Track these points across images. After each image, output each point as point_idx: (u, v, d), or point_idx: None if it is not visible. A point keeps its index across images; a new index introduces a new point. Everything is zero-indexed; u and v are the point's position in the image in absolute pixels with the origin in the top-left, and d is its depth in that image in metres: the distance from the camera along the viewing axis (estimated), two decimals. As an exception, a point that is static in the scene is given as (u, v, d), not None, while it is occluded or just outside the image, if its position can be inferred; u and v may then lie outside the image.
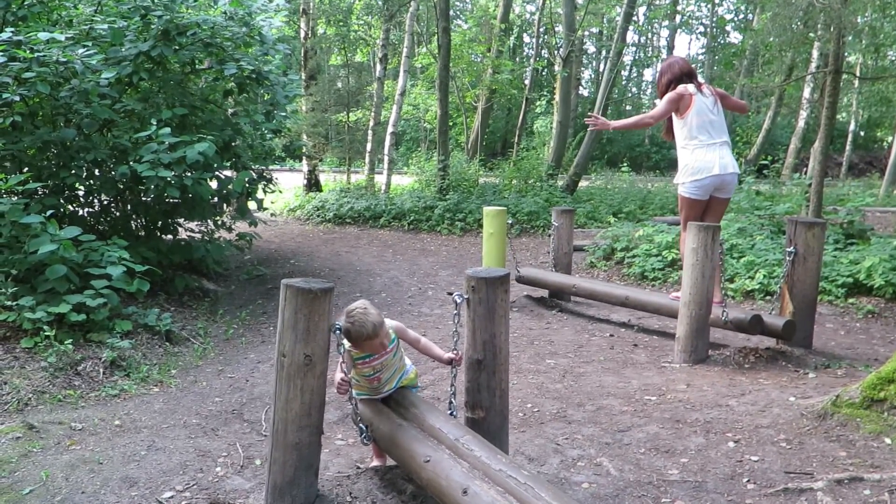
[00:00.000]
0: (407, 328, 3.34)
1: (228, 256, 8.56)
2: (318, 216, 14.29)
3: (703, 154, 5.48)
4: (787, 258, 5.15)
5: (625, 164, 20.58)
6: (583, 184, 16.52)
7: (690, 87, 5.49)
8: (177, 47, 6.50)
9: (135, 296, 6.11)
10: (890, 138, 36.72)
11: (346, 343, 3.08)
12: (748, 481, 3.23)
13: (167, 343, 5.67)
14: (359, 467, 3.53)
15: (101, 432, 3.88)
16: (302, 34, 15.82)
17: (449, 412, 3.31)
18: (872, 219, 11.76)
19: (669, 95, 5.48)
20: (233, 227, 8.44)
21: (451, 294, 7.83)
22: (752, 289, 7.42)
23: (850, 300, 6.84)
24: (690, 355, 4.99)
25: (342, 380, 3.06)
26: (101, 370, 4.89)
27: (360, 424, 3.17)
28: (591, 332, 6.15)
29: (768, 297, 7.23)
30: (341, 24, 16.99)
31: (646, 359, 5.28)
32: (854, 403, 3.80)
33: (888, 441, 3.49)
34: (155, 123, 6.03)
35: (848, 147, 30.15)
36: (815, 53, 20.31)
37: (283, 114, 7.51)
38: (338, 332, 2.98)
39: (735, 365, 4.94)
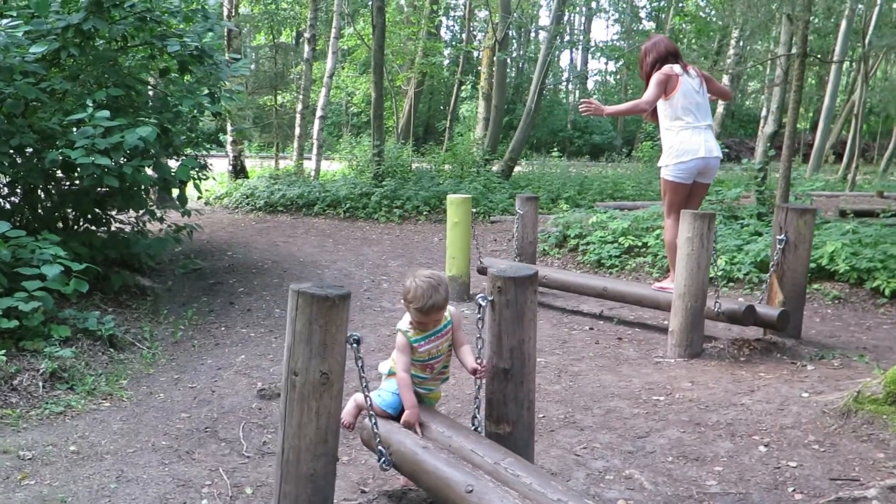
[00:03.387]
0: (461, 325, 3.04)
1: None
2: (248, 204, 13.57)
3: (688, 136, 5.27)
4: (778, 246, 4.99)
5: (555, 150, 20.54)
6: (516, 169, 16.34)
7: (676, 68, 5.27)
8: (110, 21, 5.86)
9: (67, 297, 5.50)
10: (802, 124, 38.13)
11: (404, 324, 2.91)
12: (794, 491, 3.00)
13: (111, 349, 5.09)
14: (363, 491, 3.14)
15: (57, 461, 3.35)
16: (225, 12, 15.00)
17: (473, 427, 2.96)
18: (807, 202, 11.97)
19: (657, 77, 5.24)
20: (165, 217, 7.81)
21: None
22: (713, 276, 7.30)
23: (815, 286, 6.79)
24: (686, 349, 4.77)
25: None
26: (41, 383, 4.31)
27: (380, 447, 2.78)
28: (568, 325, 5.88)
29: (732, 284, 7.14)
30: (269, 2, 16.21)
31: (636, 354, 5.04)
32: (877, 399, 3.63)
33: (923, 439, 3.33)
34: (91, 105, 5.39)
35: (760, 132, 31.11)
36: (733, 41, 20.80)
37: (228, 94, 6.92)
38: (355, 344, 2.59)
39: (731, 358, 4.76)
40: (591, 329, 5.75)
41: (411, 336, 2.88)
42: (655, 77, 5.27)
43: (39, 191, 6.48)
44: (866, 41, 16.29)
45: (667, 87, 5.26)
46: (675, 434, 3.58)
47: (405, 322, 2.93)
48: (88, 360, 4.78)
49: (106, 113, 5.41)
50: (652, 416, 3.82)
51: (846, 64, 24.28)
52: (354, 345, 2.59)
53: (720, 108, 24.20)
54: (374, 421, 2.77)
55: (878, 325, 5.80)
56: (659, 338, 5.38)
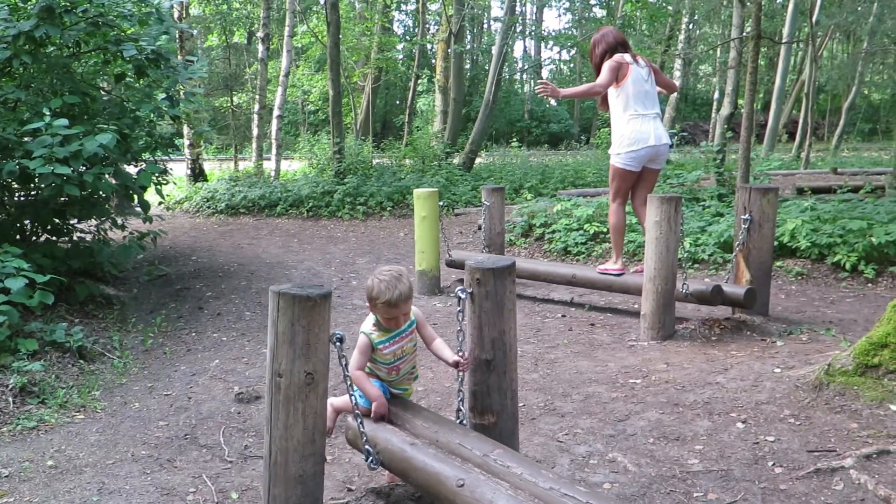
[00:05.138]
0: (426, 322, 3.03)
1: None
2: (209, 207, 13.41)
3: (638, 125, 5.43)
4: (743, 226, 5.08)
5: (514, 140, 20.62)
6: (477, 161, 16.36)
7: (627, 57, 5.45)
8: (62, 27, 5.73)
9: (33, 310, 5.39)
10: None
11: (367, 327, 2.87)
12: (774, 465, 3.06)
13: (81, 360, 5.00)
14: (350, 489, 3.14)
15: (35, 477, 3.29)
16: (176, 14, 14.76)
17: (458, 420, 2.97)
18: (764, 182, 12.18)
19: (610, 64, 5.41)
20: (126, 224, 7.68)
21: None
22: (679, 258, 7.41)
23: (778, 263, 6.92)
24: (658, 332, 4.84)
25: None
26: (11, 399, 4.23)
27: (367, 446, 2.77)
28: (540, 314, 5.92)
29: (697, 265, 7.25)
30: (220, 2, 15.98)
31: (609, 338, 5.10)
32: (848, 371, 3.72)
33: (893, 408, 3.42)
34: (48, 113, 5.27)
35: (714, 115, 31.60)
36: (683, 25, 21.09)
37: (188, 97, 6.81)
38: (338, 343, 2.58)
39: (703, 338, 4.84)
40: (563, 316, 5.80)
41: (375, 338, 2.87)
42: (608, 64, 5.43)
43: (-4, 203, 6.34)
44: (813, 20, 16.63)
45: (618, 75, 5.40)
46: (655, 416, 3.63)
47: (368, 325, 2.90)
48: (58, 373, 4.69)
49: (64, 121, 5.31)
50: (630, 400, 3.87)
51: (794, 44, 24.77)
52: (338, 343, 2.58)
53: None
54: (359, 420, 2.76)
55: (841, 299, 5.94)
56: (631, 322, 5.45)
